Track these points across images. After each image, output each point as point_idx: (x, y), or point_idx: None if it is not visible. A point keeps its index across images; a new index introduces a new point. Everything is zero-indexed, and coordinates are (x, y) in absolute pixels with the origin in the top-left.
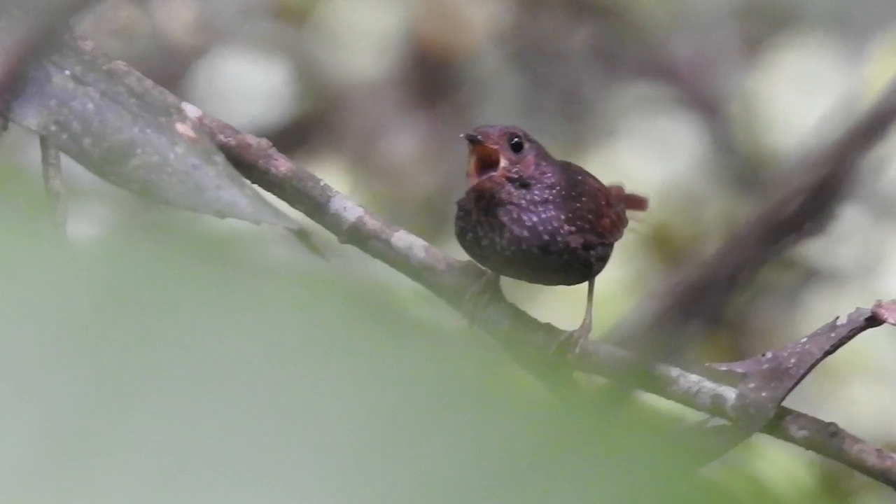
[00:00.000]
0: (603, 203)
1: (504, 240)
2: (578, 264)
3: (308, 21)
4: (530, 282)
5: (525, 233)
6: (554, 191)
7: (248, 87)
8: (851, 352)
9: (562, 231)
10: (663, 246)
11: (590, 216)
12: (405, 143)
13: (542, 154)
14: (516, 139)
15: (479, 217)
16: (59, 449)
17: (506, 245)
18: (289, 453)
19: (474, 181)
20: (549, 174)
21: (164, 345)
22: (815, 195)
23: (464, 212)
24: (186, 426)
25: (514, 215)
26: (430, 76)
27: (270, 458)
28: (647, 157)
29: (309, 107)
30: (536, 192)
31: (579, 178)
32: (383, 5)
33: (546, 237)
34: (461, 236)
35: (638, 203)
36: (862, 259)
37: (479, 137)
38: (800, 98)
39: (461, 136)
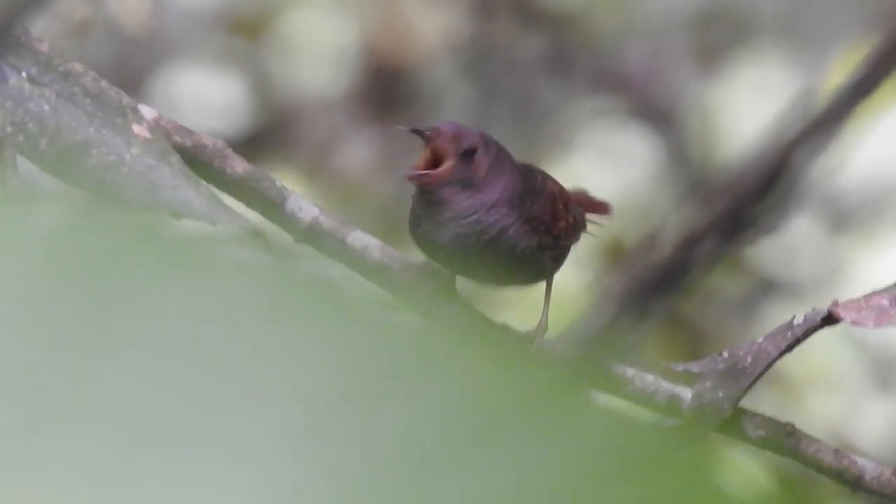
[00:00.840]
0: (560, 206)
1: (446, 236)
2: (530, 263)
3: (263, 34)
4: (481, 281)
5: (466, 229)
6: (507, 193)
7: (203, 99)
8: (806, 361)
9: (512, 229)
10: (619, 256)
11: (546, 217)
12: (360, 154)
13: (498, 160)
14: (470, 146)
15: (424, 211)
16: (13, 423)
17: (448, 241)
18: (239, 424)
19: (408, 173)
20: (504, 178)
21: (117, 316)
22: (763, 196)
23: (414, 206)
24: (139, 397)
25: (453, 214)
26: (385, 88)
27: (224, 429)
28: (601, 167)
29: (264, 119)
30: (482, 195)
31: (538, 179)
32: (338, 18)
33: (493, 233)
34: (412, 229)
35: (600, 208)
36: (818, 271)
37: (429, 134)
38: (754, 108)
39: (400, 127)
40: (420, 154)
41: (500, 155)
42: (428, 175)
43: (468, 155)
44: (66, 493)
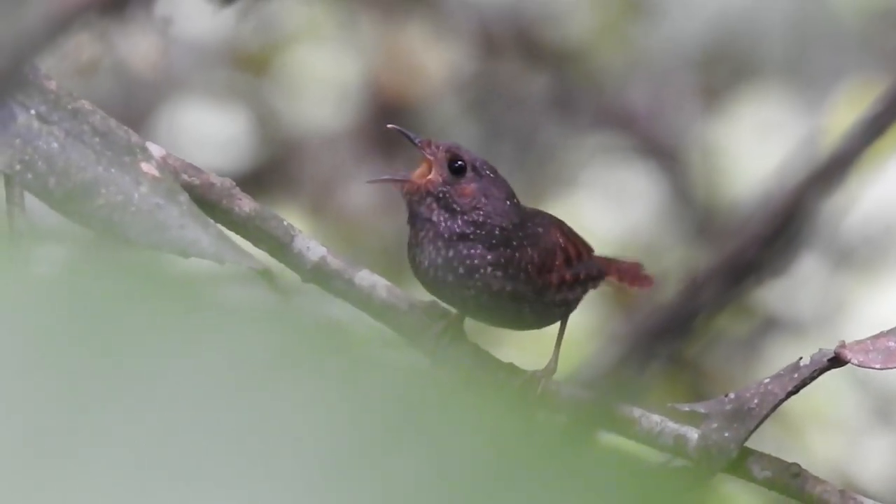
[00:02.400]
0: (558, 261)
1: (425, 260)
2: (506, 310)
3: (267, 70)
4: (473, 318)
5: (439, 260)
6: (483, 231)
7: (207, 135)
8: (810, 402)
9: (482, 270)
10: (625, 297)
11: (528, 266)
12: (363, 191)
13: (488, 192)
14: (459, 163)
15: (411, 230)
16: (25, 462)
17: (426, 266)
18: (253, 469)
19: (396, 176)
20: (490, 210)
21: (129, 363)
22: (772, 240)
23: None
24: (150, 440)
25: (431, 235)
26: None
27: (235, 474)
28: (605, 206)
29: (268, 155)
30: (460, 222)
31: (539, 230)
32: (342, 55)
33: (461, 270)
34: (409, 256)
35: (641, 281)
36: (821, 308)
37: (417, 142)
38: (758, 147)
39: (391, 126)
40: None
41: (496, 189)
42: (409, 181)
43: (457, 172)
44: None
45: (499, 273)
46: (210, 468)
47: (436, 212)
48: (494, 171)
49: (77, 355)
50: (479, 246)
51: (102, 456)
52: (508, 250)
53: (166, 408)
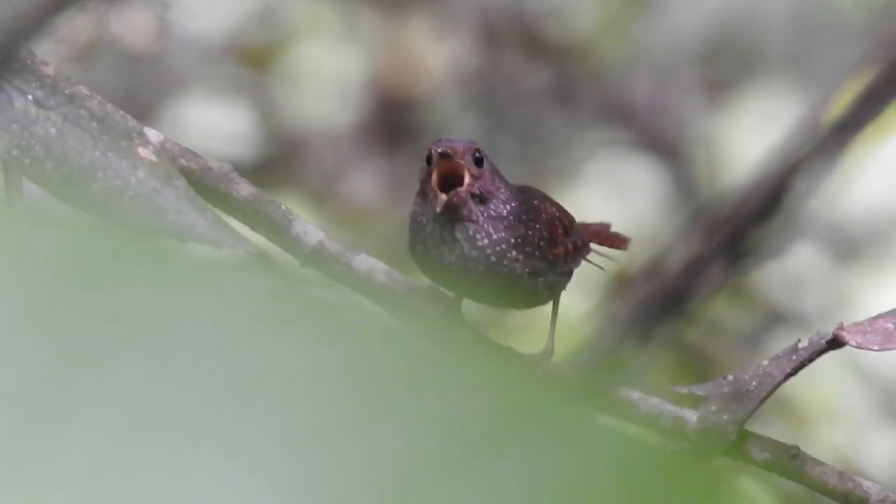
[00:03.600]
0: (559, 232)
1: (453, 255)
2: (523, 290)
3: (271, 66)
4: (477, 301)
5: (474, 252)
6: (507, 207)
7: (210, 129)
8: (814, 393)
9: (509, 255)
10: (624, 284)
11: (541, 243)
12: (366, 186)
13: (495, 170)
14: (478, 154)
15: (432, 229)
16: (22, 416)
17: (453, 260)
18: (246, 431)
19: (443, 198)
20: (503, 189)
21: (125, 323)
22: (762, 220)
23: (416, 223)
24: (145, 399)
25: (470, 232)
26: (391, 120)
27: (227, 433)
28: (608, 199)
29: (271, 150)
30: (492, 206)
31: (536, 202)
32: (345, 50)
33: (493, 258)
34: (412, 248)
35: (619, 242)
36: (825, 301)
37: (449, 152)
38: (760, 140)
39: (430, 148)
40: (432, 175)
41: (496, 167)
42: (458, 194)
43: (479, 162)
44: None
45: (520, 255)
46: (201, 432)
47: (475, 210)
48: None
49: (76, 326)
50: (503, 228)
51: (98, 419)
52: (522, 227)
53: (159, 373)
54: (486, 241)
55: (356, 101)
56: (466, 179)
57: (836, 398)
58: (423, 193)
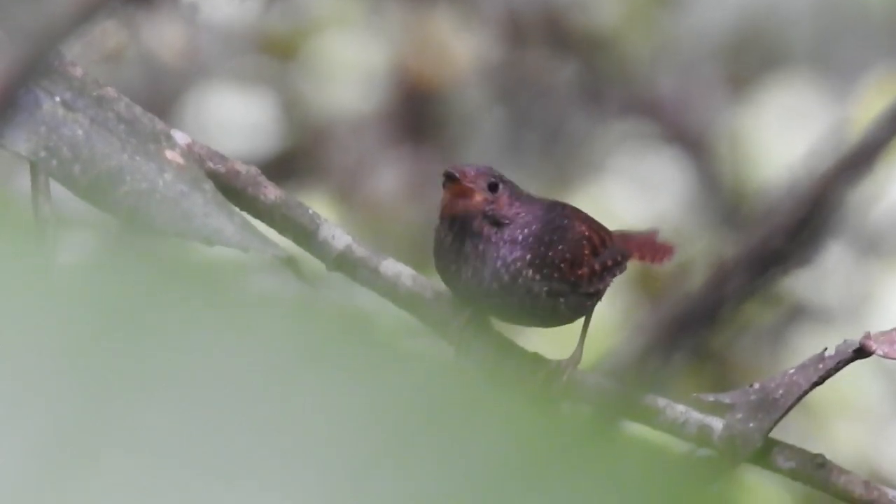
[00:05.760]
0: (586, 252)
1: (469, 271)
2: (544, 310)
3: (295, 56)
4: (498, 318)
5: (487, 271)
6: (526, 230)
7: (234, 120)
8: (835, 390)
9: (524, 274)
10: (650, 283)
11: (562, 265)
12: (390, 177)
13: (516, 194)
14: (492, 179)
15: (451, 244)
16: (58, 453)
17: (470, 276)
18: (281, 465)
19: (444, 203)
20: (524, 213)
21: (157, 356)
22: (800, 229)
23: (438, 240)
24: (180, 434)
25: (481, 249)
26: (416, 111)
27: (262, 467)
28: (632, 194)
29: (295, 141)
30: (508, 232)
31: (564, 222)
32: (369, 41)
33: (506, 278)
34: (436, 262)
35: (661, 253)
36: (848, 297)
37: (457, 175)
38: (785, 135)
39: (443, 172)
40: (444, 197)
41: (519, 192)
42: (467, 203)
43: (493, 188)
44: None
45: (537, 276)
46: (232, 461)
47: (486, 227)
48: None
49: (102, 345)
50: (519, 249)
51: (126, 447)
52: (542, 248)
53: (190, 400)
54: (499, 263)
55: (380, 91)
56: (477, 196)
57: (857, 396)
58: (440, 215)
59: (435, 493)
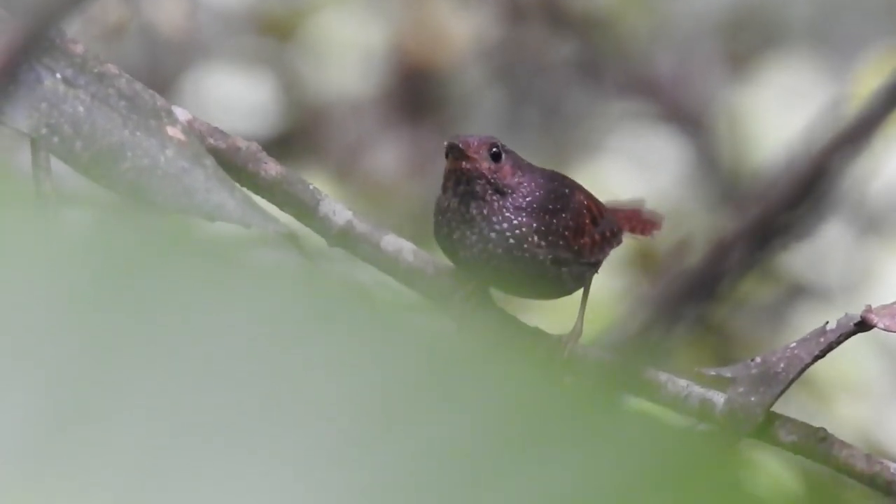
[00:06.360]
0: (587, 221)
1: (474, 235)
2: (548, 279)
3: (293, 36)
4: (503, 290)
5: (492, 234)
6: (529, 198)
7: (233, 101)
8: (837, 370)
9: (529, 240)
10: (650, 261)
11: (566, 233)
12: (389, 157)
13: (518, 164)
14: (495, 149)
15: (454, 206)
16: (57, 418)
17: (475, 241)
18: (284, 430)
19: (447, 167)
20: (526, 183)
21: (159, 321)
22: (797, 204)
23: (440, 208)
24: (181, 399)
25: (485, 212)
26: (414, 91)
27: (265, 431)
28: (631, 172)
29: (294, 121)
30: (510, 199)
31: (566, 191)
32: (368, 21)
33: (512, 241)
34: (437, 232)
35: (650, 225)
36: (848, 275)
37: (460, 145)
38: (784, 114)
39: (444, 143)
40: (447, 167)
41: (522, 161)
42: (470, 161)
43: (496, 157)
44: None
45: (542, 243)
46: (235, 430)
47: (489, 192)
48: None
49: (105, 314)
50: (524, 215)
51: (130, 416)
52: (547, 216)
53: (193, 369)
54: (504, 226)
55: (379, 71)
56: (481, 165)
57: (858, 373)
58: (443, 185)
59: (437, 458)
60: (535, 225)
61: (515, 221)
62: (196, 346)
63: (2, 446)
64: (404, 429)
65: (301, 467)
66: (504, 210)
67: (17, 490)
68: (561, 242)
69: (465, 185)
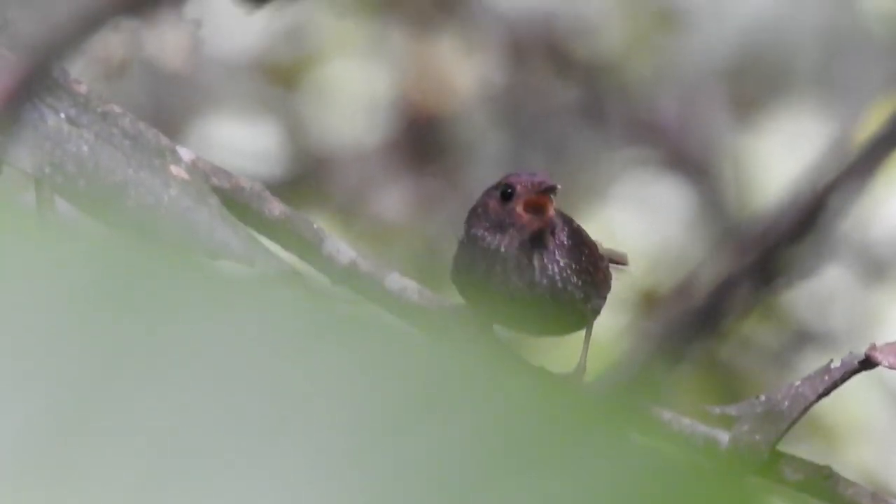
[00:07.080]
0: (597, 255)
1: (522, 282)
2: (576, 314)
3: (298, 84)
4: (518, 328)
5: (544, 280)
6: (563, 235)
7: (238, 148)
8: (844, 412)
9: (572, 280)
10: (653, 304)
11: (590, 268)
12: (393, 204)
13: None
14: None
15: (512, 253)
16: (55, 432)
17: (521, 286)
18: (282, 442)
19: (531, 222)
20: (559, 219)
21: (159, 335)
22: (797, 239)
23: (483, 251)
24: (180, 412)
25: (545, 260)
26: (419, 138)
27: (263, 443)
28: (636, 218)
29: (298, 168)
30: (556, 236)
31: (576, 225)
32: (372, 68)
33: (560, 284)
34: (462, 274)
35: (619, 258)
36: (854, 321)
37: (554, 186)
38: (789, 159)
39: (511, 180)
40: (517, 205)
41: None
42: (545, 219)
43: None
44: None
45: (579, 281)
46: (231, 441)
47: (551, 238)
48: None
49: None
50: (566, 255)
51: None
52: (577, 253)
53: (186, 384)
54: (555, 269)
55: (384, 118)
56: (551, 209)
57: (865, 416)
58: (496, 224)
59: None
60: (573, 265)
61: (562, 263)
62: (195, 357)
63: (2, 450)
64: (403, 449)
65: (299, 479)
66: (554, 251)
67: (18, 497)
68: (588, 279)
69: (536, 240)
